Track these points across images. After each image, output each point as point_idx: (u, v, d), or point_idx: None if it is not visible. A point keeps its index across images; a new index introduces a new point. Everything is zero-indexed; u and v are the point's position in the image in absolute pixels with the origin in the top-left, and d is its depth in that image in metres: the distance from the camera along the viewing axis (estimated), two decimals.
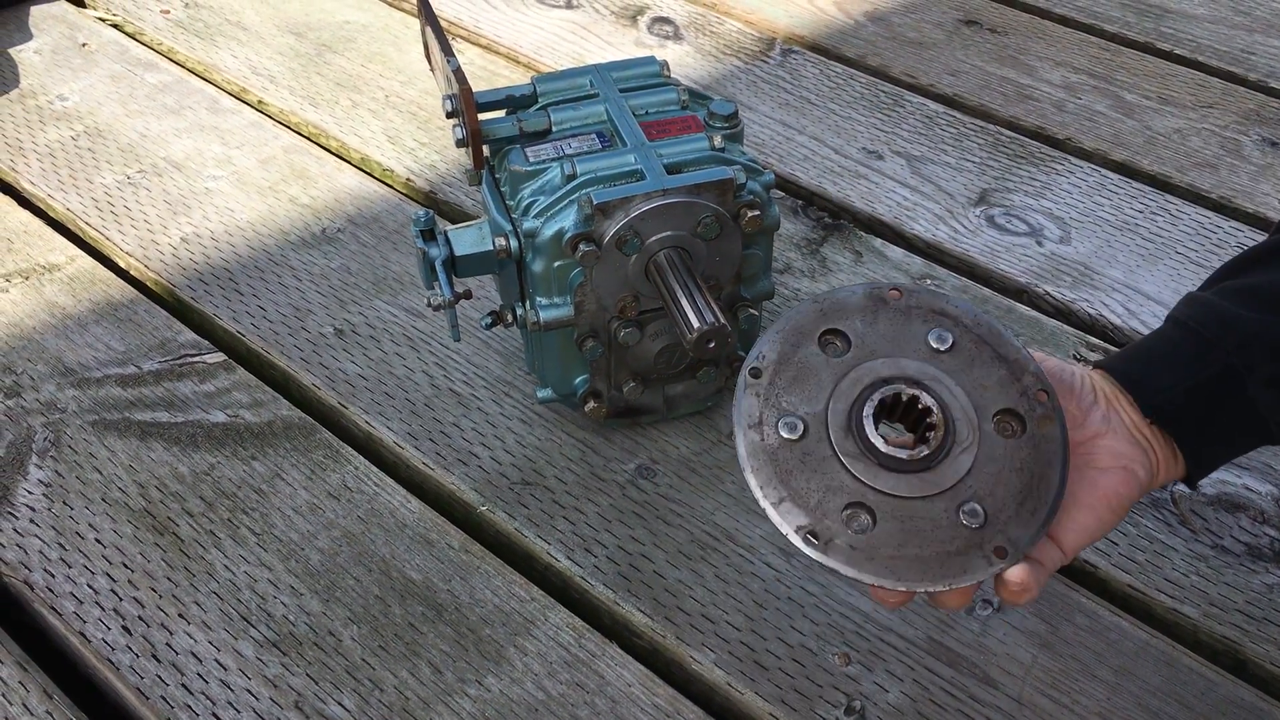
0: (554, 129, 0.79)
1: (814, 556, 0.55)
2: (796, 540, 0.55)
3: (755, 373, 0.57)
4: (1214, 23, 1.28)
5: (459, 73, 0.75)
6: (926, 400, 0.57)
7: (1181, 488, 0.80)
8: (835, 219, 1.04)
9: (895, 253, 1.00)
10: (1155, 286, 0.96)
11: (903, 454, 0.55)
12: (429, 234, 0.78)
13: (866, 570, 0.55)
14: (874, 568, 0.55)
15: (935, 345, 0.58)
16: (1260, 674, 0.71)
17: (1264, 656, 0.71)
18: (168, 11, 1.31)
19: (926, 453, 0.56)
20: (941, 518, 0.55)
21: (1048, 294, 0.96)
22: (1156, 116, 1.15)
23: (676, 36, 1.27)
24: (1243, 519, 0.79)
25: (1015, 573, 0.55)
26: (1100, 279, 0.97)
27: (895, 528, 0.55)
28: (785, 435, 0.56)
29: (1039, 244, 1.01)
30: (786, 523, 0.55)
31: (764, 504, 0.55)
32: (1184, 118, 1.14)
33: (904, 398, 0.57)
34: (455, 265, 0.78)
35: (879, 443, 0.56)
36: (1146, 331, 0.92)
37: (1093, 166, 1.09)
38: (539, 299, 0.77)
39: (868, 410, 0.56)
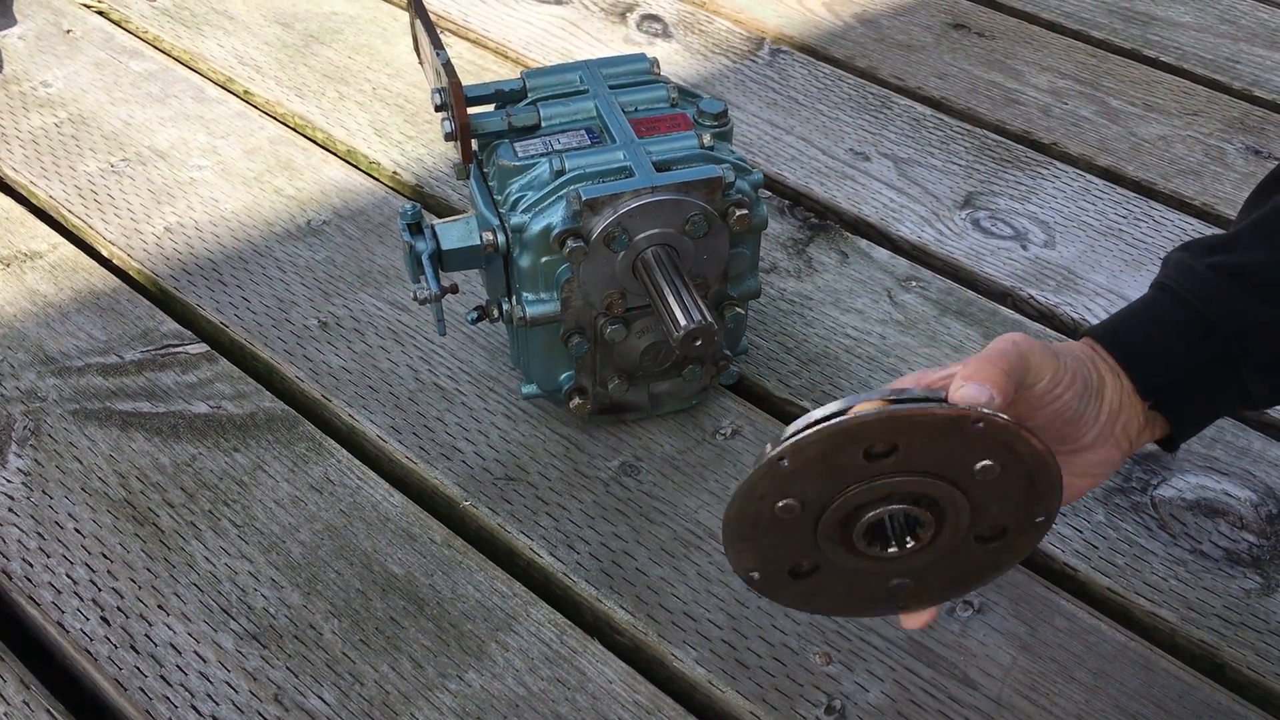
0: (543, 124, 0.79)
1: (752, 589, 0.61)
2: (741, 576, 0.60)
3: (782, 461, 0.54)
4: (1200, 31, 1.28)
5: (448, 66, 0.75)
6: (928, 522, 0.57)
7: (1162, 492, 0.81)
8: (821, 219, 1.04)
9: (881, 254, 1.01)
10: (1138, 292, 0.96)
11: (874, 552, 0.58)
12: (416, 227, 0.78)
13: (787, 601, 0.63)
14: (794, 601, 0.63)
15: (979, 475, 0.55)
16: (1237, 678, 0.71)
17: (1241, 661, 0.71)
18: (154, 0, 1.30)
19: (895, 554, 0.58)
20: (873, 582, 0.60)
21: (1031, 298, 0.96)
22: (1141, 123, 1.15)
23: (665, 34, 1.27)
24: (1221, 524, 0.79)
25: (911, 620, 0.63)
26: (1084, 284, 0.98)
27: (831, 580, 0.60)
28: (779, 515, 0.56)
29: (1024, 248, 1.01)
30: (739, 563, 0.60)
31: (726, 545, 0.59)
32: (1169, 124, 1.15)
33: (911, 516, 0.57)
34: (442, 259, 0.78)
35: (859, 543, 0.58)
36: None
37: (1078, 172, 1.10)
38: (525, 294, 0.77)
39: (867, 518, 0.56)
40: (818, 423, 0.53)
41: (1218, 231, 1.02)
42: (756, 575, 0.60)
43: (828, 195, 1.07)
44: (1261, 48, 1.26)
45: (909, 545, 0.58)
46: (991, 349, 0.57)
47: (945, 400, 0.54)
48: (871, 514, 0.56)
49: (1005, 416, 0.54)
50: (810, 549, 0.58)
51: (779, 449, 0.53)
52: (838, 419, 0.53)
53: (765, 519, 0.57)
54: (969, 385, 0.54)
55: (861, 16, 1.31)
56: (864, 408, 0.53)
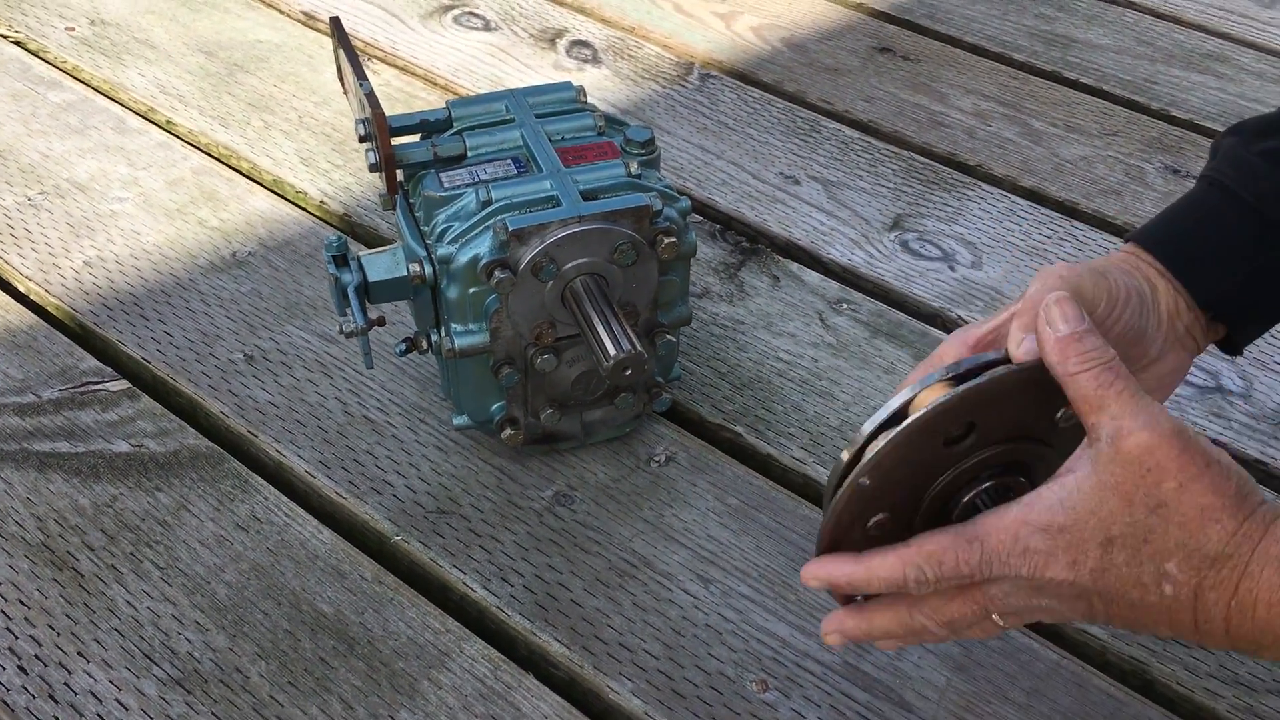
0: (469, 154, 0.78)
1: None
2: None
3: (863, 480, 0.51)
4: (1118, 53, 1.31)
5: (372, 96, 0.74)
6: (1021, 487, 0.54)
7: None
8: (753, 243, 1.05)
9: (812, 277, 1.01)
10: None
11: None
12: (341, 259, 0.76)
13: None
14: None
15: (1062, 422, 0.53)
16: (1167, 694, 0.72)
17: (1170, 676, 0.72)
18: (73, 29, 1.28)
19: None
20: None
21: (960, 318, 0.97)
22: (1063, 144, 1.17)
23: (595, 60, 1.27)
24: None
25: None
26: (1011, 303, 0.99)
27: None
28: (871, 533, 0.54)
29: (951, 269, 1.02)
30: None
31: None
32: (1090, 145, 1.17)
33: (1002, 486, 0.55)
34: (369, 291, 0.77)
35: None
36: None
37: (1003, 193, 1.11)
38: (454, 326, 0.76)
39: (961, 504, 0.54)
40: (886, 426, 0.50)
41: None
42: (861, 598, 0.57)
43: (759, 219, 1.07)
44: (1178, 68, 1.29)
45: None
46: (1037, 290, 0.54)
47: (1006, 359, 0.51)
48: (966, 497, 0.54)
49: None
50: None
51: (860, 468, 0.50)
52: (912, 419, 0.49)
53: (857, 543, 0.54)
54: (1030, 338, 0.51)
55: (789, 41, 1.32)
56: (931, 395, 0.50)
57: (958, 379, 0.50)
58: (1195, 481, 0.47)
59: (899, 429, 0.50)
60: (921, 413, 0.49)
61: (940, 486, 0.53)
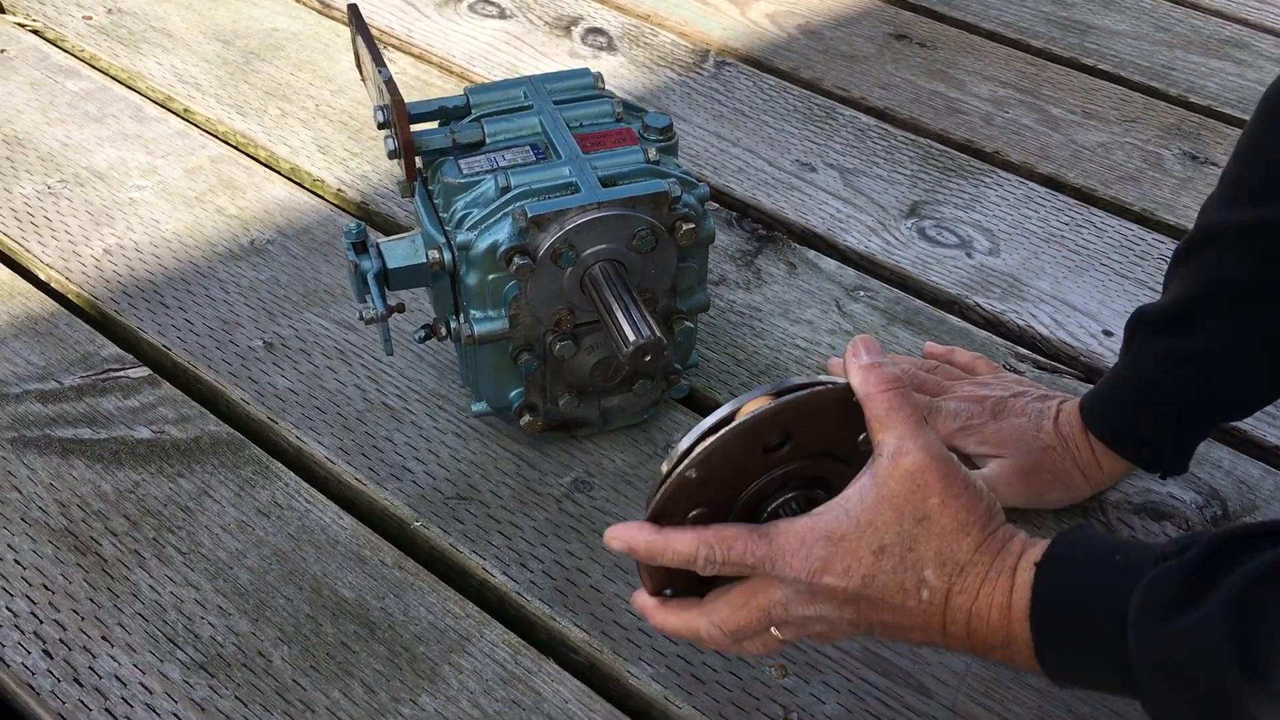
0: (488, 141, 0.78)
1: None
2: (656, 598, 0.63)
3: (690, 473, 0.56)
4: (1136, 39, 1.31)
5: (390, 83, 0.74)
6: (822, 500, 0.59)
7: (1110, 496, 0.82)
8: (769, 231, 1.05)
9: (829, 264, 1.01)
10: (1082, 298, 0.98)
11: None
12: (360, 246, 0.77)
13: None
14: None
15: (862, 446, 0.58)
16: None
17: None
18: (90, 17, 1.28)
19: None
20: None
21: (978, 305, 0.97)
22: (1081, 130, 1.17)
23: (610, 48, 1.27)
24: (1168, 526, 0.80)
25: None
26: (1028, 290, 0.99)
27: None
28: (688, 523, 0.59)
29: (969, 256, 1.02)
30: (656, 586, 0.62)
31: (641, 570, 0.61)
32: (1108, 131, 1.17)
33: (808, 497, 0.60)
34: (388, 278, 0.77)
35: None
36: (1073, 342, 0.93)
37: (1020, 179, 1.11)
38: (473, 312, 0.76)
39: (770, 508, 0.60)
40: (715, 429, 0.56)
41: (1158, 237, 1.04)
42: (670, 592, 0.62)
43: (775, 206, 1.07)
44: (1196, 54, 1.28)
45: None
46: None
47: (826, 384, 0.57)
48: (773, 504, 0.59)
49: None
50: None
51: (688, 462, 0.56)
52: (738, 422, 0.55)
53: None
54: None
55: (805, 28, 1.31)
56: (758, 404, 0.56)
57: (779, 394, 0.56)
58: (955, 499, 0.55)
59: (726, 429, 0.55)
60: (746, 417, 0.55)
61: (752, 492, 0.58)
